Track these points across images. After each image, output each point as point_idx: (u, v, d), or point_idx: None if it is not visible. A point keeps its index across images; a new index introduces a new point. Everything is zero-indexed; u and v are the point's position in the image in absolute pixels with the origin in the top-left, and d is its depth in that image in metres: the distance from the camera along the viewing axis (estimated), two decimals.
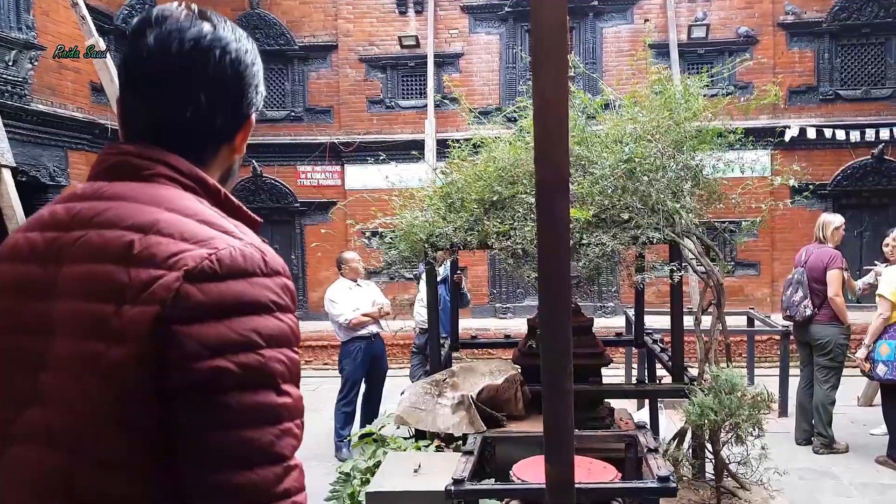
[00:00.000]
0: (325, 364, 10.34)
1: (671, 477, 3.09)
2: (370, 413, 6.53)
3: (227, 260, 0.98)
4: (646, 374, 5.99)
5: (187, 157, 1.12)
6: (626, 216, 3.92)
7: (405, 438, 4.41)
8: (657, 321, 7.08)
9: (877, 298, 5.75)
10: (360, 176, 11.16)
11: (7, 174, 5.53)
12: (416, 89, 11.77)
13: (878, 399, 6.60)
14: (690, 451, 4.18)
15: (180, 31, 1.10)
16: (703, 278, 4.23)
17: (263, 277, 1.00)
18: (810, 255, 6.17)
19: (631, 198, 3.94)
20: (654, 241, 3.92)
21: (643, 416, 5.81)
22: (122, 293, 0.96)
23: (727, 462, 4.02)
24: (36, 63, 8.89)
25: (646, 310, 5.92)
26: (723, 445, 3.92)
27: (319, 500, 4.04)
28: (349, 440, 5.58)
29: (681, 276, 4.11)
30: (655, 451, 3.44)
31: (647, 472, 3.34)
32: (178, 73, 1.10)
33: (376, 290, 6.71)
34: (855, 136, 10.68)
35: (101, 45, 6.37)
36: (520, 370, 4.30)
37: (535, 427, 3.88)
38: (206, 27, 1.12)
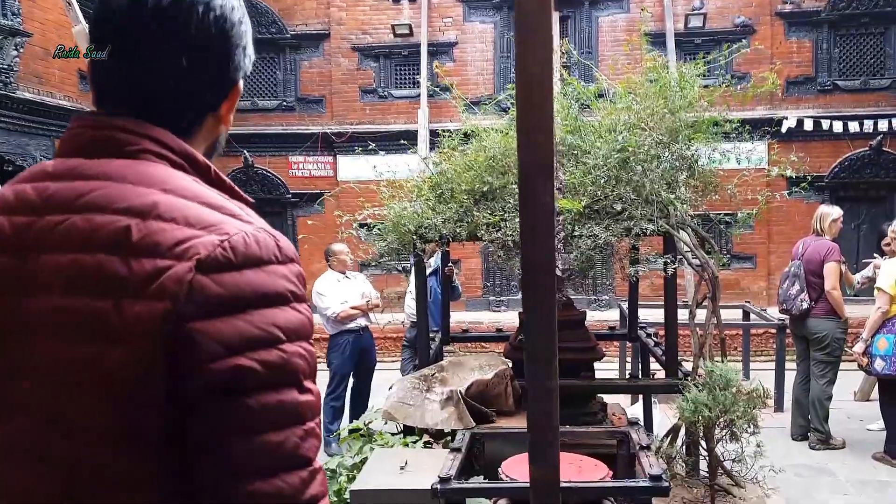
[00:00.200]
0: (318, 357, 10.22)
1: (663, 476, 3.00)
2: (359, 407, 6.45)
3: (241, 247, 0.87)
4: (639, 368, 5.90)
5: (167, 129, 0.99)
6: (619, 207, 3.83)
7: (393, 434, 4.32)
8: (652, 314, 7.00)
9: (875, 292, 5.66)
10: (352, 167, 11.03)
11: None
12: (409, 79, 11.63)
13: (875, 394, 6.52)
14: (684, 448, 4.09)
15: None
16: (698, 271, 4.14)
17: (279, 265, 0.90)
18: (807, 248, 6.08)
19: (624, 188, 3.84)
20: (648, 232, 3.83)
21: (637, 410, 5.72)
22: (120, 287, 0.84)
23: (721, 459, 3.94)
24: (21, 50, 8.73)
25: (640, 303, 5.83)
26: (717, 443, 3.83)
27: None
28: (338, 435, 5.49)
29: (675, 269, 4.01)
30: (648, 448, 3.37)
31: (640, 470, 3.25)
32: (154, 33, 0.97)
33: (365, 283, 6.61)
34: (853, 127, 10.59)
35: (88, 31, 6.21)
36: (510, 365, 4.20)
37: (525, 423, 3.77)
38: None
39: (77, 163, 0.95)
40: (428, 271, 6.30)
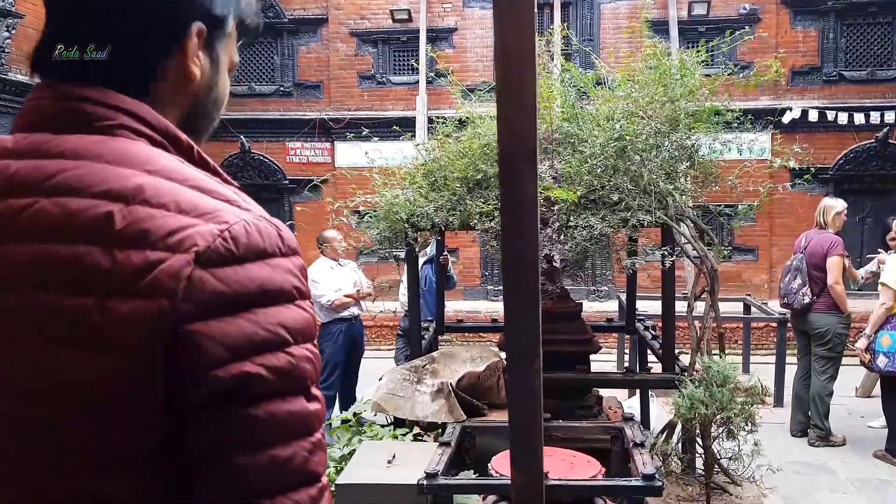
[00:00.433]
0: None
1: (657, 475, 2.91)
2: (348, 397, 6.40)
3: (242, 237, 0.77)
4: (637, 362, 5.81)
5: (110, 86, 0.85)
6: (616, 197, 3.71)
7: (382, 426, 4.24)
8: (651, 306, 6.90)
9: (879, 287, 5.55)
10: (350, 153, 10.91)
11: None
12: (408, 65, 11.48)
13: (877, 390, 6.43)
14: (680, 444, 4.00)
15: None
16: (697, 264, 4.03)
17: (283, 258, 0.81)
18: (810, 241, 5.97)
19: (622, 178, 3.73)
20: (646, 224, 3.72)
21: (634, 403, 5.63)
22: (104, 283, 0.72)
23: (718, 457, 3.84)
24: (13, 31, 8.61)
25: (640, 294, 5.73)
26: (714, 440, 3.74)
27: None
28: (329, 425, 5.42)
29: (673, 262, 3.91)
30: (642, 445, 3.28)
31: (633, 468, 3.17)
32: None
33: (357, 271, 6.51)
34: (859, 118, 10.45)
35: None
36: (503, 357, 4.11)
37: None
38: None
39: (42, 138, 0.82)
40: (423, 260, 6.22)
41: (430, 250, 6.28)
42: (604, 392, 4.53)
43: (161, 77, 0.88)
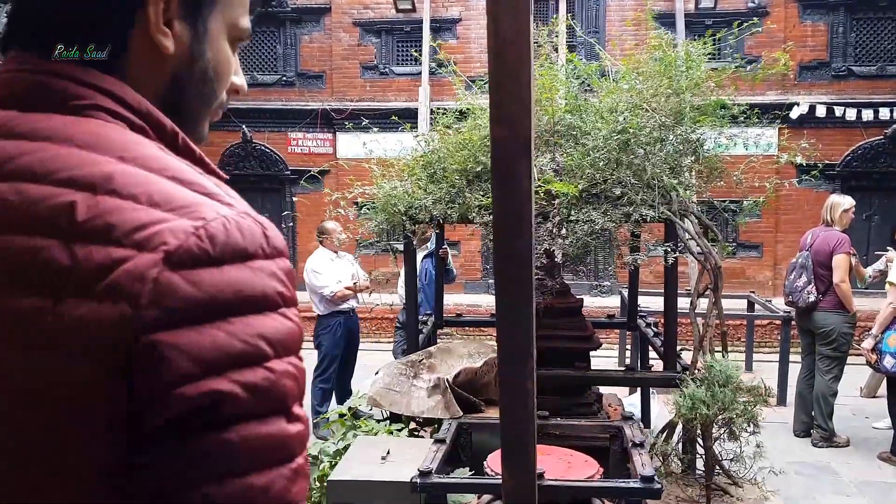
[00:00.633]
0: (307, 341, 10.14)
1: (656, 477, 2.84)
2: (344, 390, 6.37)
3: (221, 236, 0.67)
4: (638, 359, 5.73)
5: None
6: (618, 192, 3.63)
7: (378, 421, 4.18)
8: (653, 302, 6.82)
9: (887, 286, 5.46)
10: (352, 144, 10.84)
11: None
12: (411, 55, 11.38)
13: (882, 390, 6.35)
14: (680, 444, 3.93)
15: None
16: (701, 260, 3.95)
17: (267, 259, 0.71)
18: (816, 238, 5.87)
19: (624, 172, 3.65)
20: (649, 219, 3.64)
21: (635, 400, 5.56)
22: (61, 282, 0.63)
23: (719, 458, 3.77)
24: None
25: (642, 290, 5.66)
26: (715, 441, 3.66)
27: None
28: (326, 418, 5.37)
29: (676, 258, 3.83)
30: (642, 445, 3.21)
31: (632, 469, 3.10)
32: None
33: (354, 263, 6.44)
34: (867, 114, 10.33)
35: None
36: None
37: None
38: None
39: (7, 116, 0.73)
40: (423, 253, 6.15)
41: (431, 244, 6.21)
42: (604, 389, 4.47)
43: (130, 52, 0.79)
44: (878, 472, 5.34)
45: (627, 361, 7.78)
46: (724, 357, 3.77)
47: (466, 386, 3.90)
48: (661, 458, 3.76)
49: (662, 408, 5.69)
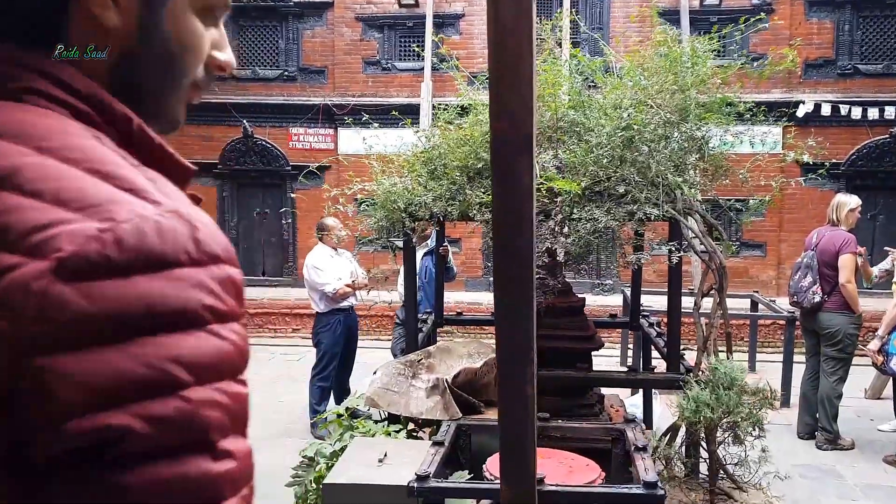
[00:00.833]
0: (303, 335, 10.04)
1: (659, 483, 2.77)
2: (342, 388, 6.33)
3: (131, 240, 0.57)
4: (640, 359, 5.66)
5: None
6: (622, 189, 3.55)
7: (376, 421, 4.11)
8: (656, 301, 6.75)
9: (893, 287, 5.38)
10: (353, 140, 10.74)
11: None
12: (413, 51, 11.30)
13: (887, 392, 6.27)
14: (683, 448, 3.85)
15: None
16: (705, 260, 3.87)
17: (193, 268, 0.60)
18: (822, 238, 5.79)
19: (628, 169, 3.57)
20: (653, 217, 3.56)
21: (637, 400, 5.49)
22: None
23: (723, 462, 3.70)
24: None
25: (645, 289, 5.58)
26: (719, 445, 3.59)
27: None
28: (324, 418, 5.31)
29: (680, 258, 3.75)
30: (644, 449, 3.14)
31: (634, 473, 3.03)
32: None
33: (352, 261, 6.38)
34: (873, 113, 10.23)
35: None
36: None
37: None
38: None
39: None
40: (423, 251, 6.08)
41: (431, 242, 6.15)
42: (606, 389, 4.40)
43: (71, 29, 0.70)
44: (884, 476, 5.26)
45: (629, 361, 7.72)
46: (728, 359, 3.69)
47: (466, 387, 3.83)
48: (663, 461, 3.69)
49: (665, 408, 5.62)
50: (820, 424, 5.83)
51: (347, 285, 6.14)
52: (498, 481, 2.83)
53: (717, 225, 3.95)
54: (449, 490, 3.00)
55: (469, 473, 3.29)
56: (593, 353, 4.15)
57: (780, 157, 4.04)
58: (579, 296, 4.35)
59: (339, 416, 4.20)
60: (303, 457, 3.91)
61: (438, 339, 5.29)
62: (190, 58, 0.77)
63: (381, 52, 11.40)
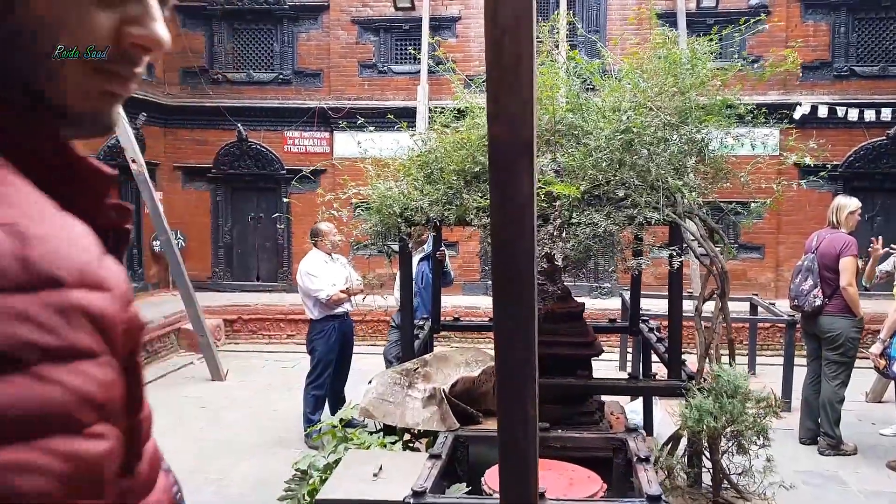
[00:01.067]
0: (296, 341, 9.93)
1: (663, 496, 2.69)
2: (337, 397, 6.23)
3: None
4: (640, 364, 5.58)
5: None
6: (621, 193, 3.48)
7: (371, 432, 4.02)
8: (656, 305, 6.67)
9: (894, 290, 5.31)
10: (349, 143, 10.67)
11: None
12: (410, 54, 11.24)
13: (888, 395, 6.20)
14: (686, 457, 3.77)
15: None
16: (706, 264, 3.80)
17: (20, 293, 0.49)
18: (822, 241, 5.72)
19: (628, 173, 3.50)
20: (653, 221, 3.49)
21: (637, 406, 5.41)
22: None
23: (727, 472, 3.62)
24: None
25: (644, 293, 5.49)
26: (722, 454, 3.51)
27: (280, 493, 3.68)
28: (319, 429, 5.22)
29: (681, 262, 3.68)
30: (647, 460, 3.06)
31: (636, 485, 2.95)
32: None
33: (347, 266, 6.29)
34: (870, 115, 10.23)
35: None
36: None
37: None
38: None
39: None
40: (420, 256, 5.99)
41: (427, 247, 6.06)
42: (605, 396, 4.31)
43: None
44: (888, 482, 5.19)
45: (628, 365, 7.64)
46: (731, 365, 3.61)
47: (464, 396, 3.75)
48: (665, 471, 3.61)
49: (665, 414, 5.55)
50: (822, 430, 5.76)
51: (342, 291, 6.04)
52: (497, 496, 2.76)
53: (718, 229, 3.88)
54: None
55: (467, 486, 3.21)
56: (593, 359, 4.08)
57: (781, 160, 3.98)
58: (578, 300, 4.27)
59: (334, 427, 4.11)
60: (296, 469, 3.81)
61: (435, 344, 5.21)
62: (75, 38, 0.62)
63: (376, 56, 11.33)
